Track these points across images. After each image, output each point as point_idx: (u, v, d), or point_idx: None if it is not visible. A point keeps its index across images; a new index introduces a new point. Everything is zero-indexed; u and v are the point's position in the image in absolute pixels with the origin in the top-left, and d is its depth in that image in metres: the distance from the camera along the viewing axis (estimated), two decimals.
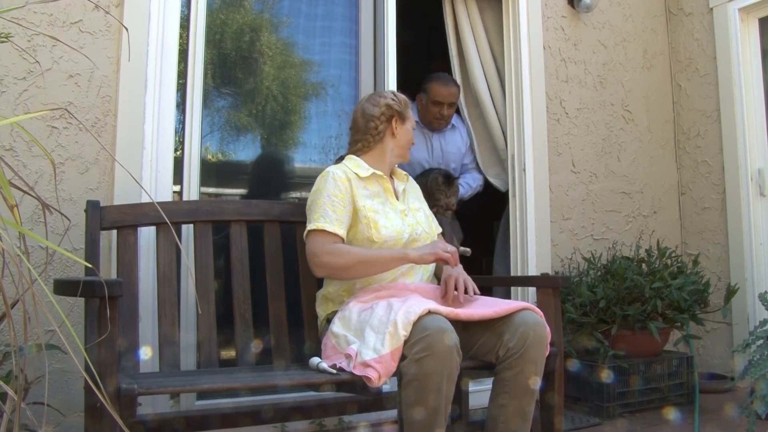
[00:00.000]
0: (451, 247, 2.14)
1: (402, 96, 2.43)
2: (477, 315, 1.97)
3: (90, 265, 1.60)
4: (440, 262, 2.18)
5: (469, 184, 3.56)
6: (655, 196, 3.89)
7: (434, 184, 3.16)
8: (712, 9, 3.79)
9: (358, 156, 2.34)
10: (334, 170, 2.22)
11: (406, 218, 2.28)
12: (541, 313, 2.07)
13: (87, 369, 1.50)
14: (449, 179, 3.23)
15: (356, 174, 2.24)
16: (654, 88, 3.97)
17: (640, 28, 3.95)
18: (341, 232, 2.14)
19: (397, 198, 2.34)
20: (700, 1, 3.87)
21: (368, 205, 2.20)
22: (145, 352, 2.21)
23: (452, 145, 3.55)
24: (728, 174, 3.68)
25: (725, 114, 3.70)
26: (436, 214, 2.67)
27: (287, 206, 2.44)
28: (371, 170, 2.27)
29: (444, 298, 2.16)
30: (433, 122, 3.47)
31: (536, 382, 2.01)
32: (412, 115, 2.43)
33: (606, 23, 3.81)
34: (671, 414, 3.03)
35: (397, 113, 2.35)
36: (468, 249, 2.63)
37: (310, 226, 2.15)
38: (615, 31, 3.85)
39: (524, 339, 1.96)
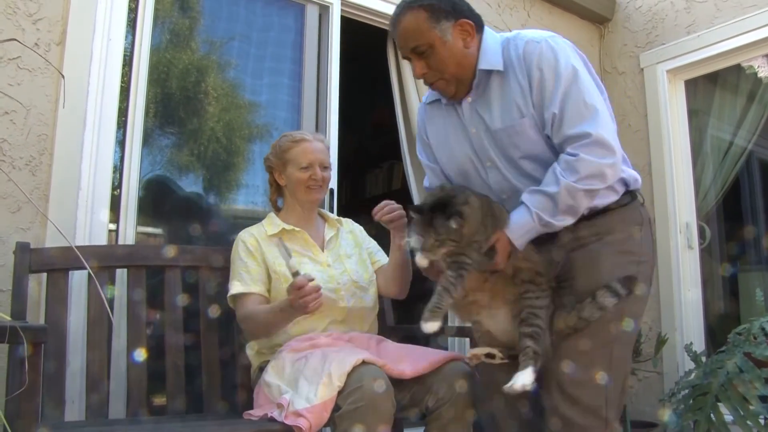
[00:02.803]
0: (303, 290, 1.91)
1: (288, 137, 2.33)
2: (408, 372, 1.98)
3: (8, 318, 1.55)
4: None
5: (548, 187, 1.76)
6: None
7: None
8: (642, 69, 3.99)
9: (277, 212, 2.39)
10: (242, 235, 2.29)
11: (328, 269, 2.27)
12: None
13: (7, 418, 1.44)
14: (438, 209, 1.72)
15: (265, 232, 2.28)
16: None
17: None
18: (257, 288, 2.18)
19: (324, 248, 2.34)
20: (632, 62, 4.07)
21: (279, 260, 2.20)
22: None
23: (504, 111, 1.83)
24: (659, 226, 3.81)
25: (656, 169, 3.86)
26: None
27: (224, 252, 2.38)
28: (280, 226, 2.29)
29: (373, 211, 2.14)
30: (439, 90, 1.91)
31: None
32: (299, 153, 2.28)
33: None
34: None
35: (272, 168, 2.36)
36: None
37: (229, 294, 2.20)
38: None
39: (453, 390, 1.97)
